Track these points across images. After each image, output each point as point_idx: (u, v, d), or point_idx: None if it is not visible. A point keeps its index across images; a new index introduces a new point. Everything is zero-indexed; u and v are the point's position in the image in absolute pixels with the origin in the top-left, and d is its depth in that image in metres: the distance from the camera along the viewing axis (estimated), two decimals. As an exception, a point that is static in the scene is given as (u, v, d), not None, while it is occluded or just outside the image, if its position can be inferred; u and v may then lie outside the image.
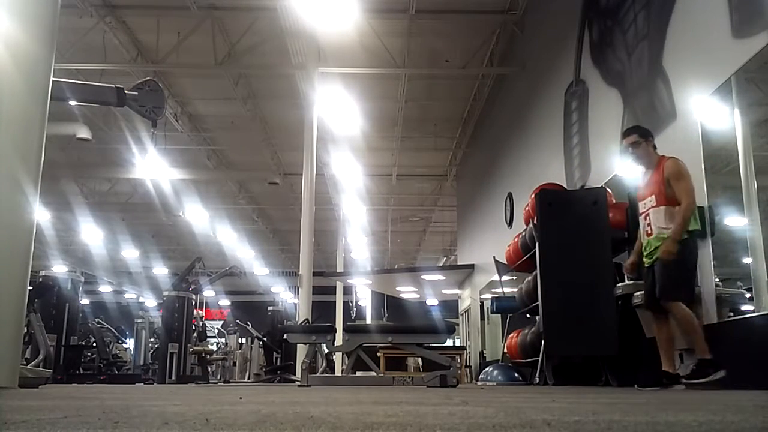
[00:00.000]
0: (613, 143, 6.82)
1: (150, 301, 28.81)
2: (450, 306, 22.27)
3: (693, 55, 5.46)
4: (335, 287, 21.23)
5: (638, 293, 5.08)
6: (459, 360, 10.72)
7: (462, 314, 18.10)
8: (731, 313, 4.86)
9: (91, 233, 22.41)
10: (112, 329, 15.92)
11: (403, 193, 20.43)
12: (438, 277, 18.06)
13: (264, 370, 12.84)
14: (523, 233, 7.65)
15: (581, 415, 1.50)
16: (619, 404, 2.10)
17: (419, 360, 11.96)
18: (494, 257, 9.73)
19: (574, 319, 6.08)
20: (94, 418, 1.45)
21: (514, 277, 9.40)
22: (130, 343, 17.99)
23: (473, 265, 15.59)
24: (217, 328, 18.75)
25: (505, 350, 8.81)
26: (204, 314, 18.01)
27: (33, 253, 4.21)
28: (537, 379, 6.52)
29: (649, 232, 4.56)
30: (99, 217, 20.97)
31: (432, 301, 22.16)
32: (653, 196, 4.53)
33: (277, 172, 17.11)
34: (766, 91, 5.34)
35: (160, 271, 27.51)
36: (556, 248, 6.44)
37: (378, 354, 10.15)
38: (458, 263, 18.86)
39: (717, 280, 4.93)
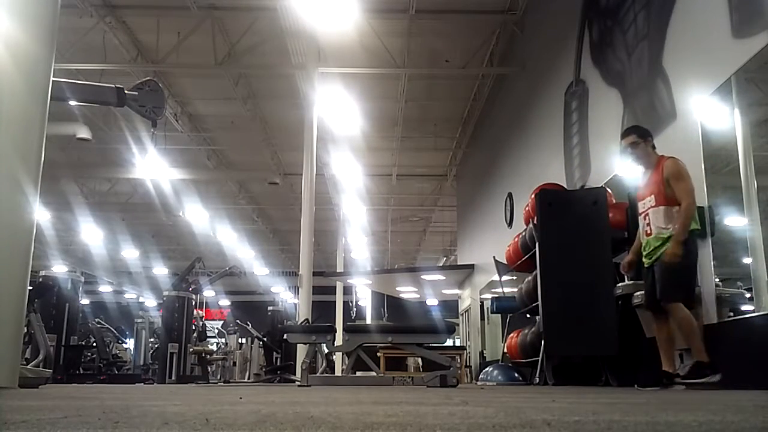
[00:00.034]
0: (613, 143, 6.82)
1: (150, 301, 28.80)
2: (450, 306, 22.26)
3: (693, 55, 5.46)
4: (335, 287, 21.22)
5: (638, 293, 5.08)
6: (459, 360, 10.72)
7: (462, 314, 18.09)
8: (731, 313, 4.86)
9: (91, 233, 22.41)
10: (112, 329, 15.91)
11: (403, 193, 20.43)
12: (438, 277, 18.06)
13: (264, 370, 12.84)
14: (523, 233, 7.65)
15: (581, 415, 1.50)
16: (619, 404, 2.10)
17: (419, 360, 11.96)
18: (494, 257, 9.73)
19: (574, 319, 6.08)
20: (94, 418, 1.45)
21: (514, 277, 9.40)
22: (130, 343, 17.98)
23: (473, 265, 15.59)
24: (217, 328, 18.74)
25: (505, 350, 8.81)
26: (204, 314, 17.99)
27: (33, 253, 4.21)
28: (537, 379, 6.52)
29: (649, 232, 4.56)
30: (99, 217, 20.97)
31: (432, 301, 22.15)
32: (652, 196, 4.53)
33: (277, 172, 17.11)
34: (766, 91, 5.34)
35: (160, 271, 27.52)
36: (556, 248, 6.44)
37: (378, 354, 10.15)
38: (458, 263, 18.86)
39: (717, 280, 4.93)
